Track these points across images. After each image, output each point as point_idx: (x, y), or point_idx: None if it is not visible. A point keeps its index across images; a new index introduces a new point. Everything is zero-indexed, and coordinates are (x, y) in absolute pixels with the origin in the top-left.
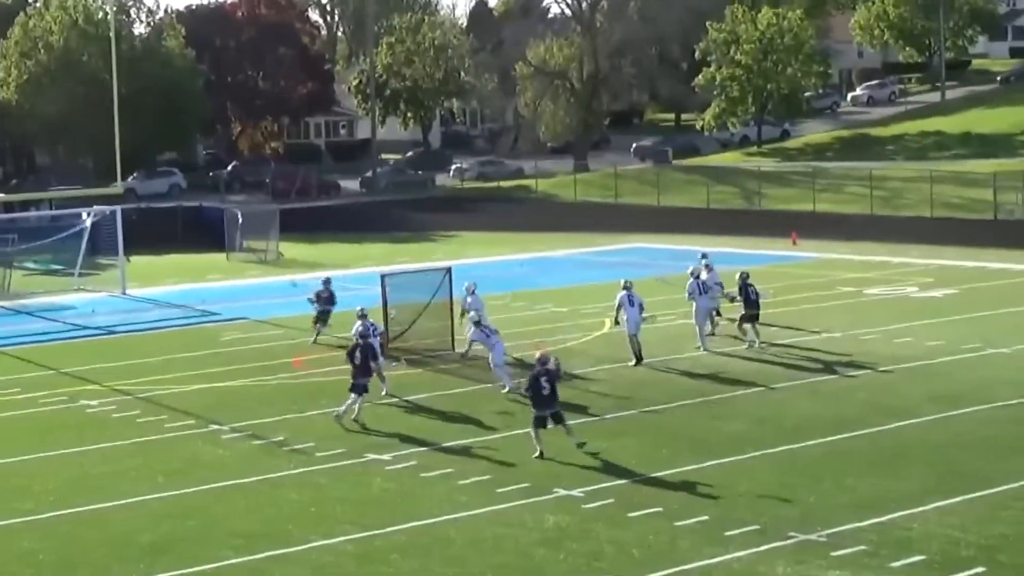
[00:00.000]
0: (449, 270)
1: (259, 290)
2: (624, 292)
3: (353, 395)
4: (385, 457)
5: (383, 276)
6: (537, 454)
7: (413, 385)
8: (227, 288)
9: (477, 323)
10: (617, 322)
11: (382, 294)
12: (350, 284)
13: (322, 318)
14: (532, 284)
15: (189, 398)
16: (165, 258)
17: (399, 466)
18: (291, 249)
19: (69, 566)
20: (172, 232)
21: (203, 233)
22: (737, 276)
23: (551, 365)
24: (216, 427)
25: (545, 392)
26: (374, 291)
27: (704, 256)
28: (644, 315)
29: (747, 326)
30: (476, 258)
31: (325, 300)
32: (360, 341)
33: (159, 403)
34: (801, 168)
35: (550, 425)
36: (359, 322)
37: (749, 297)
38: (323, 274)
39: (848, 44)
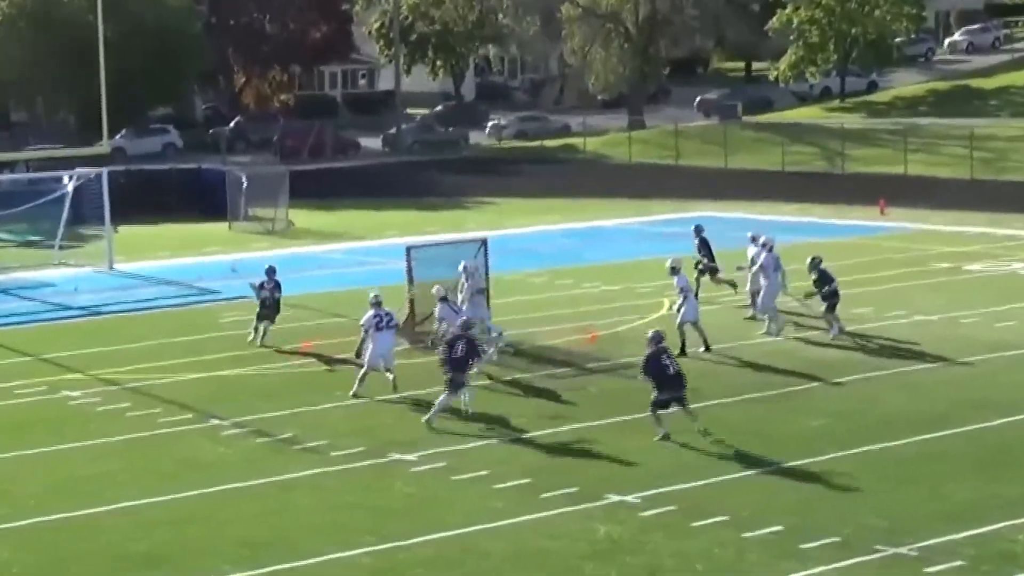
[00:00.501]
0: (484, 242)
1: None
2: (682, 276)
3: (448, 392)
4: (410, 457)
5: (408, 248)
6: (660, 437)
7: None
8: (229, 262)
9: (443, 298)
10: (679, 309)
11: (407, 269)
12: (370, 257)
13: (267, 314)
14: (579, 259)
15: (185, 389)
16: (158, 228)
17: (425, 467)
18: (303, 217)
19: None
20: (166, 198)
21: (202, 199)
22: (808, 261)
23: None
24: (216, 422)
25: (670, 372)
26: (398, 266)
27: (699, 229)
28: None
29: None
30: (515, 228)
31: (271, 291)
32: (463, 333)
33: (151, 394)
34: (890, 125)
35: (672, 408)
36: (371, 311)
37: (829, 282)
38: (268, 255)
39: None
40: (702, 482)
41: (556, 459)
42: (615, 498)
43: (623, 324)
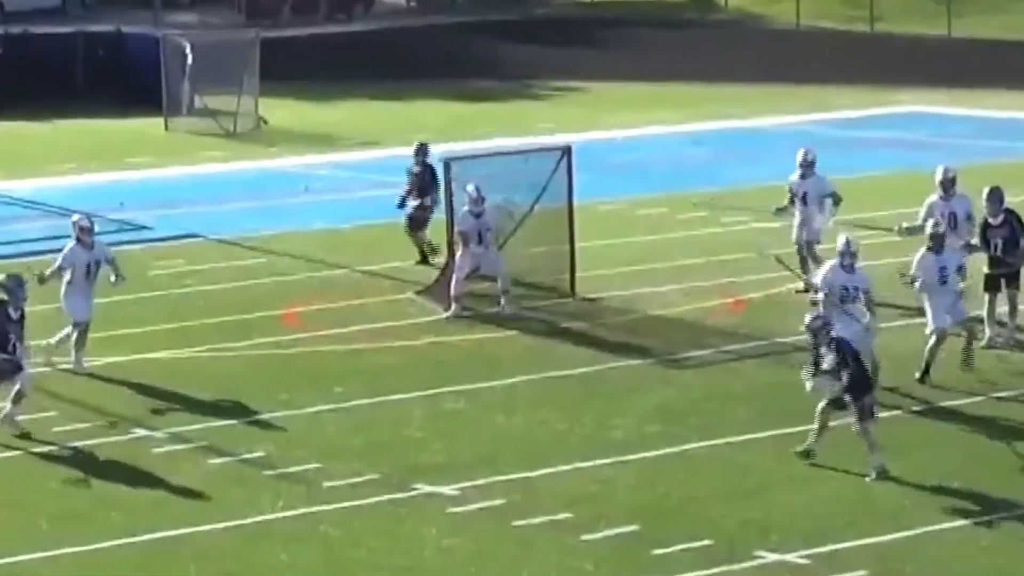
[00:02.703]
0: (566, 151)
1: (223, 185)
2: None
3: None
4: (447, 491)
5: (447, 161)
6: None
7: (501, 361)
8: (165, 181)
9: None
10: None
11: (446, 193)
12: (387, 175)
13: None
14: (716, 179)
15: (97, 380)
16: (54, 127)
17: (473, 507)
18: (281, 112)
19: None
20: (67, 80)
21: (123, 82)
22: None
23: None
24: (145, 433)
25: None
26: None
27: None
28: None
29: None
30: (614, 129)
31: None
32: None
33: (42, 389)
34: None
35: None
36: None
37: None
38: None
39: None
40: (901, 534)
41: (676, 494)
42: (770, 557)
43: (784, 283)
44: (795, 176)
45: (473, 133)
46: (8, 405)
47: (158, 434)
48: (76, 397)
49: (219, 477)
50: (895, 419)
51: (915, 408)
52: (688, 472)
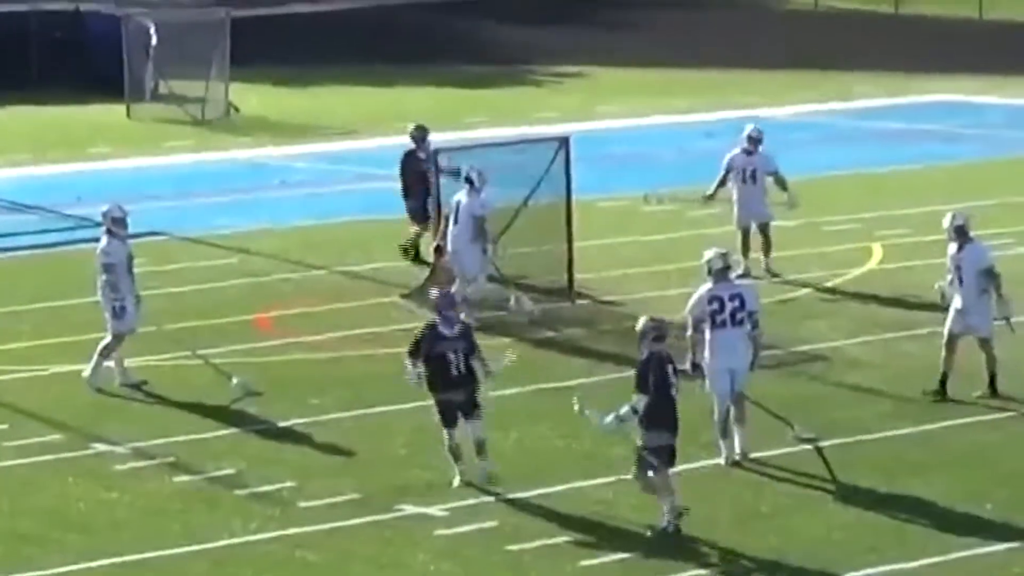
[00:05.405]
0: (564, 143)
1: (191, 177)
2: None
3: None
4: (435, 512)
5: (436, 152)
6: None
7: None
8: (127, 173)
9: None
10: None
11: (435, 188)
12: (369, 167)
13: None
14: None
15: (50, 390)
16: (7, 113)
17: (462, 529)
18: (254, 98)
19: None
20: (20, 62)
21: (81, 65)
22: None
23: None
24: (106, 448)
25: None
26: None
27: None
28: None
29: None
30: (618, 118)
31: None
32: None
33: None
34: None
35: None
36: None
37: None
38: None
39: None
40: (928, 561)
41: (702, 508)
42: None
43: (802, 287)
44: (737, 152)
45: (463, 122)
46: (475, 458)
47: (120, 449)
48: (30, 409)
49: (186, 496)
50: (920, 435)
51: (942, 423)
52: (697, 493)
